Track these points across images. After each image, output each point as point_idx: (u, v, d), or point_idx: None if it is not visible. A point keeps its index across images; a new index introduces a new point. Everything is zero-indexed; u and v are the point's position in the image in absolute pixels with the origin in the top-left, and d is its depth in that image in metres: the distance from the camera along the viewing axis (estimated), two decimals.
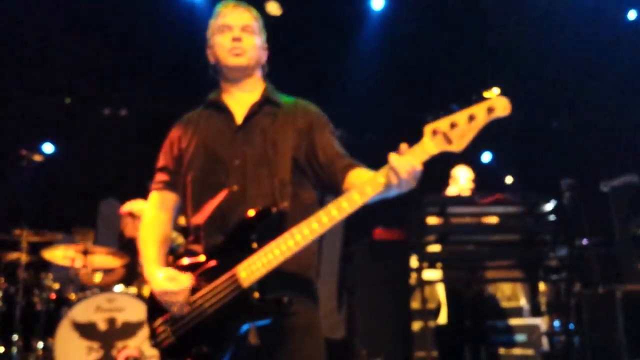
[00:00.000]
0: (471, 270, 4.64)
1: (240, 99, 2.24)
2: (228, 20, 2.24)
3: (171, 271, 2.05)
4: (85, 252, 4.64)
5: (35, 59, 6.33)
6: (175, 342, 2.04)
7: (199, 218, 2.12)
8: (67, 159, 6.72)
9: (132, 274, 4.71)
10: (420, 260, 4.43)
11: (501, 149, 7.59)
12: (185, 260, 2.09)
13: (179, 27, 6.21)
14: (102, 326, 4.20)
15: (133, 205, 5.07)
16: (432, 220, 4.47)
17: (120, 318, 4.20)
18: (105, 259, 4.81)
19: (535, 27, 6.43)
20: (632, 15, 6.41)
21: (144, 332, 4.11)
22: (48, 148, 6.67)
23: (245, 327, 1.95)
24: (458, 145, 1.84)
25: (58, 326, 4.16)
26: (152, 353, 4.06)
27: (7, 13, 5.91)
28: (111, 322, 4.20)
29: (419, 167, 1.85)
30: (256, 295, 1.94)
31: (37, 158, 5.21)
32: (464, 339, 4.56)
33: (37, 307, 4.49)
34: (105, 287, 4.58)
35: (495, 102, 1.82)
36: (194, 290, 2.01)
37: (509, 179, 6.33)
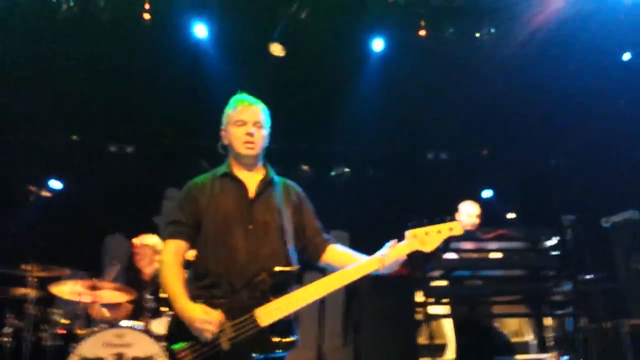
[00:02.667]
0: (477, 305, 4.66)
1: (249, 175, 2.83)
2: (243, 117, 2.82)
3: (204, 306, 2.52)
4: (93, 288, 4.67)
5: (43, 96, 6.43)
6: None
7: (220, 268, 2.62)
8: (74, 195, 6.76)
9: (139, 309, 4.72)
10: (426, 295, 4.46)
11: (502, 186, 7.69)
12: (211, 299, 2.58)
13: (185, 65, 6.35)
14: None
15: (148, 239, 5.13)
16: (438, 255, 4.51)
17: (129, 353, 4.17)
18: (112, 295, 4.82)
19: (533, 67, 6.59)
20: (626, 56, 6.60)
21: None
22: (55, 184, 6.73)
23: (257, 357, 2.50)
24: (429, 247, 2.69)
25: None
26: None
27: (15, 51, 6.04)
28: (119, 357, 4.17)
29: (403, 257, 2.67)
30: (272, 334, 2.51)
31: (45, 194, 5.27)
32: None
33: (46, 343, 4.47)
34: (113, 323, 4.58)
35: (454, 225, 2.74)
36: (220, 323, 2.49)
37: (510, 215, 6.39)
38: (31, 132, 6.78)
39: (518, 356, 4.77)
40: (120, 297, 4.87)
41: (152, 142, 7.34)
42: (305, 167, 7.50)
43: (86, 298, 4.69)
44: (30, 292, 4.64)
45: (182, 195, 2.84)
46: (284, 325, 2.56)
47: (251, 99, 2.89)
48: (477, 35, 6.23)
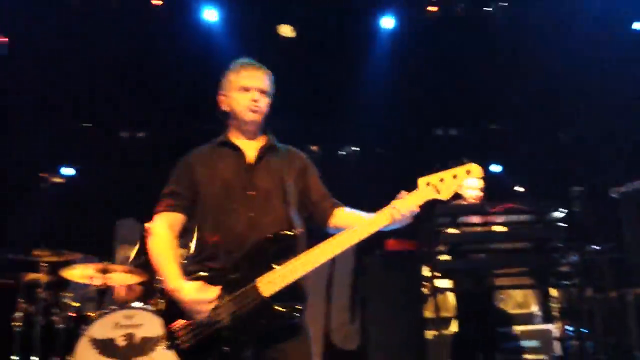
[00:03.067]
0: (482, 278, 4.66)
1: (249, 143, 2.67)
2: (248, 83, 2.65)
3: (199, 283, 2.35)
4: (104, 271, 4.73)
5: (54, 83, 6.52)
6: (195, 345, 2.33)
7: (218, 238, 2.46)
8: (86, 180, 6.87)
9: (150, 291, 4.80)
10: (432, 269, 4.47)
11: (509, 160, 7.63)
12: (207, 273, 2.41)
13: (195, 51, 6.38)
14: (121, 342, 4.22)
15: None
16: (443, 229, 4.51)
17: (139, 334, 4.22)
18: (123, 277, 4.90)
19: (542, 40, 6.51)
20: (638, 25, 6.47)
21: (163, 347, 4.16)
22: (67, 171, 6.84)
23: (263, 331, 2.32)
24: (445, 195, 2.43)
25: (77, 344, 4.20)
26: None
27: (27, 37, 6.11)
28: (130, 338, 4.23)
29: (416, 208, 2.44)
30: (277, 304, 2.33)
31: (57, 180, 5.35)
32: (477, 347, 4.56)
33: (57, 325, 4.55)
34: (123, 304, 4.67)
35: (472, 167, 2.44)
36: (217, 298, 2.33)
37: (518, 188, 6.34)
38: (42, 119, 6.86)
39: (522, 327, 4.78)
40: (131, 279, 4.94)
41: (163, 127, 7.40)
42: (314, 148, 7.52)
43: (97, 281, 4.76)
44: (42, 277, 4.72)
45: (179, 165, 2.68)
46: (291, 293, 2.36)
47: (256, 63, 2.73)
48: (488, 9, 6.17)
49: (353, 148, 7.75)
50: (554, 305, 4.80)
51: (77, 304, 4.78)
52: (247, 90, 2.64)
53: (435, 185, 2.41)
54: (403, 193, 2.45)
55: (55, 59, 6.30)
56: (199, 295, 2.31)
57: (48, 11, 5.89)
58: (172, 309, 2.38)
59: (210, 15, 6.15)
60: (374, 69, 6.85)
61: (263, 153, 2.64)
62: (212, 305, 2.30)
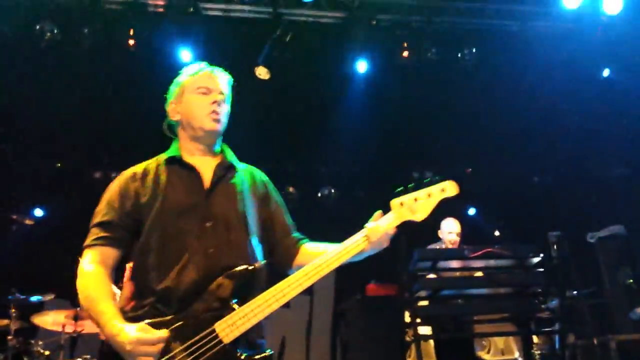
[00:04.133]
0: (463, 324, 4.64)
1: (204, 161, 2.28)
2: (209, 84, 2.28)
3: (143, 324, 1.94)
4: (76, 318, 4.59)
5: (27, 123, 6.41)
6: None
7: (169, 281, 2.05)
8: (57, 220, 6.69)
9: None
10: (413, 316, 4.43)
11: (486, 204, 7.72)
12: (152, 319, 2.00)
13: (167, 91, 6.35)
14: None
15: None
16: (423, 275, 4.50)
17: None
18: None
19: (514, 86, 6.67)
20: (606, 72, 6.69)
21: None
22: (38, 212, 6.65)
23: None
24: (421, 215, 2.19)
25: None
26: None
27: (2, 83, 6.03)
28: None
29: (392, 231, 2.18)
30: (238, 352, 2.00)
31: (28, 222, 5.21)
32: None
33: None
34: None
35: (447, 185, 2.20)
36: (166, 347, 1.93)
37: (496, 233, 6.41)
38: (15, 160, 6.72)
39: None
40: None
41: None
42: (291, 189, 7.49)
43: (69, 328, 4.61)
44: (12, 324, 4.54)
45: (113, 188, 2.22)
46: (255, 337, 2.08)
47: (215, 66, 2.38)
48: (459, 55, 6.30)
49: (331, 190, 7.74)
50: (536, 352, 4.78)
51: (47, 352, 4.58)
52: (207, 92, 2.27)
53: (410, 206, 2.18)
54: (378, 214, 2.19)
55: (28, 100, 6.21)
56: (145, 335, 1.89)
57: (20, 52, 5.81)
58: (110, 357, 1.92)
59: (185, 56, 6.16)
60: (350, 110, 6.91)
61: (221, 174, 2.26)
62: (158, 349, 1.89)
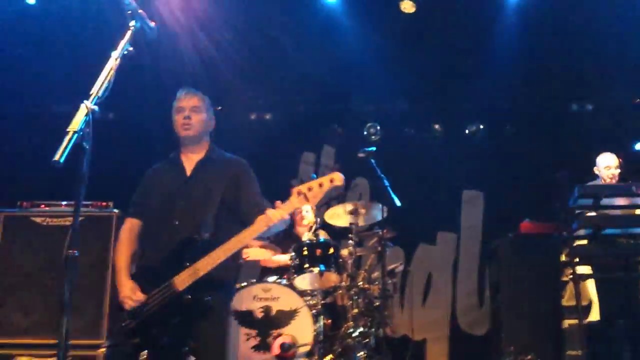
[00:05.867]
0: (627, 265, 4.37)
1: (190, 157, 3.27)
2: (182, 104, 3.25)
3: (133, 284, 3.02)
4: None
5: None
6: (135, 327, 2.97)
7: (151, 243, 3.18)
8: None
9: (285, 267, 4.98)
10: (572, 255, 4.26)
11: None
12: (141, 272, 3.14)
13: (318, 30, 6.45)
14: (259, 314, 4.40)
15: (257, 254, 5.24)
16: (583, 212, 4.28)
17: (275, 307, 4.38)
18: (258, 252, 5.16)
19: None
20: None
21: (298, 320, 4.33)
22: None
23: (178, 317, 2.93)
24: (312, 202, 2.88)
25: None
26: (305, 341, 4.27)
27: None
28: (267, 310, 4.40)
29: (286, 216, 2.94)
30: (187, 296, 2.93)
31: None
32: (619, 338, 4.30)
33: None
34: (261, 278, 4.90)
35: (335, 176, 2.85)
36: (147, 293, 3.00)
37: None
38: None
39: None
40: (265, 254, 5.18)
41: (287, 109, 7.56)
42: (436, 126, 7.36)
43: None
44: None
45: (143, 177, 3.35)
46: (201, 287, 2.91)
47: (190, 89, 3.30)
48: None
49: (478, 126, 7.45)
50: None
51: None
52: (182, 110, 3.23)
53: (305, 194, 2.82)
54: (278, 202, 2.92)
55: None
56: (130, 293, 2.98)
57: None
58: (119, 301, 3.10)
59: None
60: (501, 41, 6.54)
61: (198, 166, 3.21)
62: (137, 302, 2.95)
